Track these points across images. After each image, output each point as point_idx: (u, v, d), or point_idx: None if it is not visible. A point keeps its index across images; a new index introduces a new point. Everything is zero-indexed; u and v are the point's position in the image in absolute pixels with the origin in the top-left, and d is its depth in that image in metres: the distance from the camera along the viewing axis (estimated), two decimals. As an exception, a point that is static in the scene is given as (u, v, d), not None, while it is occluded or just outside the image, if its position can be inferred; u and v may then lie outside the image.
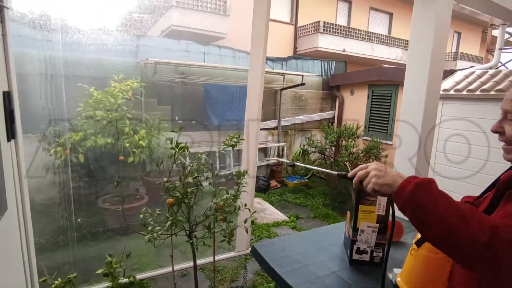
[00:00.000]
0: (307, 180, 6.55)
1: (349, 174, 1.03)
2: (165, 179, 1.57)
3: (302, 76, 6.68)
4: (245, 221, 1.71)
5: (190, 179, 1.56)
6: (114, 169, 4.14)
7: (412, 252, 1.34)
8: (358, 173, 0.97)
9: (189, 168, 1.71)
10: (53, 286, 1.62)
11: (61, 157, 3.26)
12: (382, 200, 1.80)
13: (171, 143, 1.60)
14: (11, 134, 1.04)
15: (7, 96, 1.00)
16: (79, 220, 3.53)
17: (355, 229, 1.80)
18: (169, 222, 1.52)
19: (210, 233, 1.61)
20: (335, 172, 1.17)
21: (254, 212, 1.80)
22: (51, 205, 3.42)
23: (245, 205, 1.80)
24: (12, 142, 1.05)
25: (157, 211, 1.71)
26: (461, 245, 0.72)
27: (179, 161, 1.69)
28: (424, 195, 0.78)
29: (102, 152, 3.74)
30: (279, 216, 4.74)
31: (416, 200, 0.78)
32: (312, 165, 6.64)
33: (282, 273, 1.69)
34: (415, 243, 1.30)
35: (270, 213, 4.83)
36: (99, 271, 1.58)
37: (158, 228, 1.52)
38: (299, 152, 6.92)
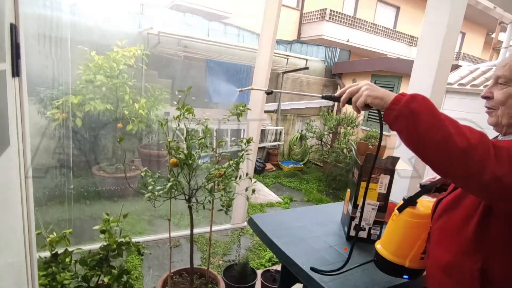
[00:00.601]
0: (302, 165, 6.56)
1: (337, 93, 1.01)
2: (169, 139, 1.53)
3: (306, 60, 6.59)
4: (246, 189, 1.70)
5: (195, 141, 1.52)
6: (112, 138, 4.08)
7: (393, 218, 1.34)
8: (348, 89, 0.95)
9: (193, 132, 1.67)
10: (48, 239, 1.60)
11: (57, 120, 3.19)
12: (384, 179, 1.80)
13: (178, 103, 1.56)
14: (16, 70, 0.99)
15: (14, 29, 0.95)
16: (71, 186, 3.50)
17: (355, 206, 1.80)
18: (170, 183, 1.49)
19: (211, 196, 1.59)
20: (320, 95, 1.14)
21: (255, 182, 1.79)
22: (44, 170, 3.37)
23: (247, 174, 1.78)
24: (16, 79, 1.00)
25: (158, 173, 1.68)
26: (460, 153, 0.72)
27: (181, 127, 1.65)
28: (420, 104, 0.77)
29: (100, 119, 3.67)
30: (273, 197, 4.76)
31: (412, 109, 0.77)
32: (309, 151, 6.65)
33: (279, 243, 1.69)
34: (397, 209, 1.30)
35: (264, 194, 4.85)
36: (96, 227, 1.56)
37: (159, 187, 1.49)
38: (297, 137, 6.91)
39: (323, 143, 6.36)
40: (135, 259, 2.73)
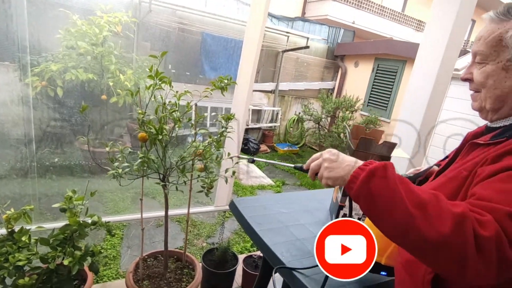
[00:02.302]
0: (298, 148, 6.42)
1: (304, 166, 0.93)
2: (139, 110, 1.35)
3: (308, 38, 6.29)
4: (226, 170, 1.54)
5: (167, 113, 1.35)
6: (97, 111, 3.89)
7: None
8: (311, 165, 0.87)
9: (169, 106, 1.49)
10: (4, 216, 1.45)
11: (36, 88, 2.99)
12: (379, 166, 1.65)
13: (150, 70, 1.37)
14: None
15: None
16: (55, 160, 3.34)
17: (344, 194, 1.66)
18: (139, 160, 1.33)
19: (184, 177, 1.43)
20: (292, 165, 1.11)
21: (237, 163, 1.63)
22: (21, 141, 3.20)
23: (229, 154, 1.62)
24: None
25: (129, 148, 1.51)
26: (420, 237, 0.60)
27: (158, 97, 1.47)
28: (379, 183, 0.66)
29: (84, 90, 3.47)
30: (265, 180, 4.64)
31: (369, 189, 0.66)
32: (305, 134, 6.49)
33: (259, 231, 1.55)
34: None
35: (256, 176, 4.72)
36: (56, 205, 1.41)
37: (125, 164, 1.33)
38: (294, 120, 6.72)
39: (320, 126, 6.18)
40: (114, 239, 2.62)
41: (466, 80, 0.83)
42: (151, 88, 1.41)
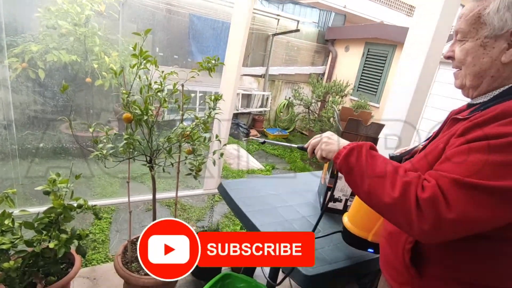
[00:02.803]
0: (287, 133, 6.43)
1: (306, 145, 1.08)
2: (123, 90, 1.31)
3: (298, 21, 6.20)
4: (214, 152, 1.53)
5: (152, 94, 1.31)
6: (81, 96, 3.78)
7: None
8: (312, 141, 1.02)
9: (155, 86, 1.45)
10: (-15, 199, 1.41)
11: (16, 70, 2.87)
12: (367, 148, 1.66)
13: (134, 48, 1.33)
14: None
15: None
16: (41, 145, 3.25)
17: (332, 176, 1.67)
18: (124, 141, 1.30)
19: (170, 158, 1.41)
20: (295, 145, 1.28)
21: (225, 145, 1.61)
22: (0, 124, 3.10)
23: (217, 136, 1.60)
24: None
25: (114, 131, 1.48)
26: (379, 200, 0.74)
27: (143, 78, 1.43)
28: (354, 158, 0.82)
29: (68, 73, 3.35)
30: (255, 164, 4.65)
31: (348, 162, 0.83)
32: (295, 118, 6.49)
33: (247, 212, 1.56)
34: None
35: (246, 160, 4.72)
36: (39, 188, 1.38)
37: (110, 145, 1.30)
38: (284, 105, 6.70)
39: (310, 111, 6.18)
40: (103, 223, 2.60)
41: (449, 58, 0.85)
42: (136, 67, 1.37)
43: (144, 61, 1.35)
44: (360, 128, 1.61)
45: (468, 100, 0.87)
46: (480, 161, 0.66)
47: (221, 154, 1.58)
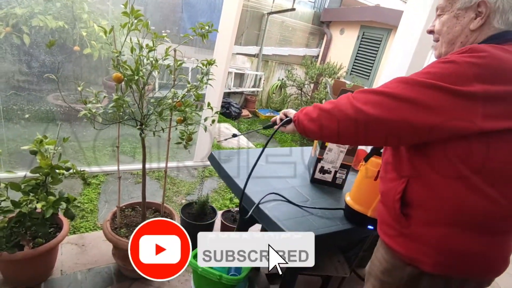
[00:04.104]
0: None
1: (271, 120, 1.40)
2: (114, 50, 1.28)
3: (294, 0, 6.08)
4: (206, 119, 1.51)
5: (144, 54, 1.28)
6: (70, 67, 3.66)
7: (360, 167, 1.35)
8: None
9: (146, 49, 1.41)
10: (-31, 158, 1.38)
11: None
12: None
13: (125, 6, 1.28)
14: None
15: None
16: (26, 116, 3.16)
17: (323, 147, 1.69)
18: (113, 103, 1.28)
19: (162, 120, 1.40)
20: (262, 127, 1.54)
21: (217, 112, 1.60)
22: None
23: (208, 104, 1.59)
24: None
25: (104, 93, 1.44)
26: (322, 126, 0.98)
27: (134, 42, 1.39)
28: (303, 118, 1.07)
29: (56, 40, 3.22)
30: (245, 143, 4.65)
31: (299, 118, 1.10)
32: (287, 100, 6.47)
33: (238, 181, 1.57)
34: (364, 158, 1.33)
35: (236, 139, 4.72)
36: (25, 147, 1.35)
37: (99, 105, 1.28)
38: (277, 86, 6.65)
39: (302, 93, 6.17)
40: (91, 193, 2.58)
41: (430, 33, 0.99)
42: (126, 26, 1.32)
43: (136, 21, 1.31)
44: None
45: None
46: (417, 73, 0.82)
47: (213, 121, 1.57)
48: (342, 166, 1.71)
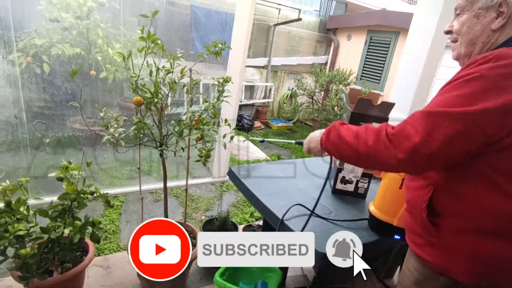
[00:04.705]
0: (291, 124, 6.41)
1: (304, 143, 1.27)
2: (133, 74, 1.31)
3: (300, 10, 6.14)
4: (224, 136, 1.52)
5: (163, 76, 1.31)
6: (87, 90, 3.77)
7: (383, 175, 1.36)
8: (305, 140, 1.24)
9: (163, 71, 1.45)
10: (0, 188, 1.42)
11: (21, 65, 2.87)
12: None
13: (142, 31, 1.32)
14: None
15: None
16: (47, 140, 3.26)
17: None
18: (134, 126, 1.30)
19: (182, 140, 1.41)
20: (293, 141, 1.44)
21: (235, 128, 1.61)
22: (8, 122, 3.10)
23: (226, 120, 1.60)
24: None
25: (124, 116, 1.48)
26: (362, 154, 0.91)
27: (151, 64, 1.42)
28: (333, 134, 1.02)
29: (71, 67, 3.34)
30: (261, 155, 4.65)
31: (330, 140, 1.03)
32: (299, 109, 6.47)
33: (259, 195, 1.56)
34: None
35: (252, 151, 4.72)
36: (52, 174, 1.39)
37: (121, 129, 1.30)
38: (287, 95, 6.67)
39: (314, 101, 6.15)
40: (113, 213, 2.62)
41: (448, 33, 0.97)
42: (144, 51, 1.36)
43: (152, 45, 1.34)
44: (369, 108, 1.59)
45: None
46: (447, 96, 0.79)
47: (232, 137, 1.57)
48: (364, 175, 1.69)
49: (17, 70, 2.86)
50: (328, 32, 6.98)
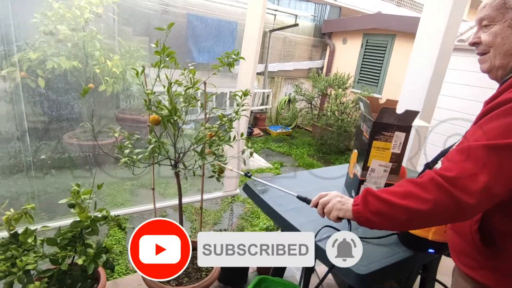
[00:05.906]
0: (290, 130, 6.35)
1: (313, 200, 1.13)
2: (148, 91, 1.22)
3: (296, 16, 6.12)
4: (243, 151, 1.44)
5: (180, 93, 1.22)
6: (84, 102, 3.66)
7: None
8: (320, 200, 1.06)
9: (182, 87, 1.37)
10: (4, 217, 1.31)
11: (14, 80, 2.74)
12: (399, 137, 1.59)
13: (157, 45, 1.23)
14: None
15: None
16: (42, 156, 3.13)
17: (364, 168, 1.60)
18: (151, 146, 1.21)
19: (202, 160, 1.33)
20: (295, 194, 1.27)
21: (249, 141, 1.53)
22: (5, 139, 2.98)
23: (242, 134, 1.52)
24: None
25: (136, 135, 1.39)
26: (424, 214, 0.78)
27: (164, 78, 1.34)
28: (374, 202, 0.86)
29: (68, 80, 3.23)
30: (262, 163, 4.57)
31: (372, 210, 0.86)
32: (298, 114, 6.42)
33: (282, 212, 1.49)
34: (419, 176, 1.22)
35: (253, 160, 4.64)
36: (63, 201, 1.28)
37: (138, 150, 1.21)
38: (285, 101, 6.62)
39: (312, 106, 6.12)
40: (118, 233, 2.50)
41: (474, 45, 0.93)
42: (158, 65, 1.28)
43: (168, 58, 1.26)
44: (393, 117, 1.53)
45: (492, 85, 0.90)
46: (502, 124, 0.73)
47: (251, 153, 1.49)
48: (387, 186, 1.62)
49: (9, 85, 2.74)
50: (323, 37, 6.98)
